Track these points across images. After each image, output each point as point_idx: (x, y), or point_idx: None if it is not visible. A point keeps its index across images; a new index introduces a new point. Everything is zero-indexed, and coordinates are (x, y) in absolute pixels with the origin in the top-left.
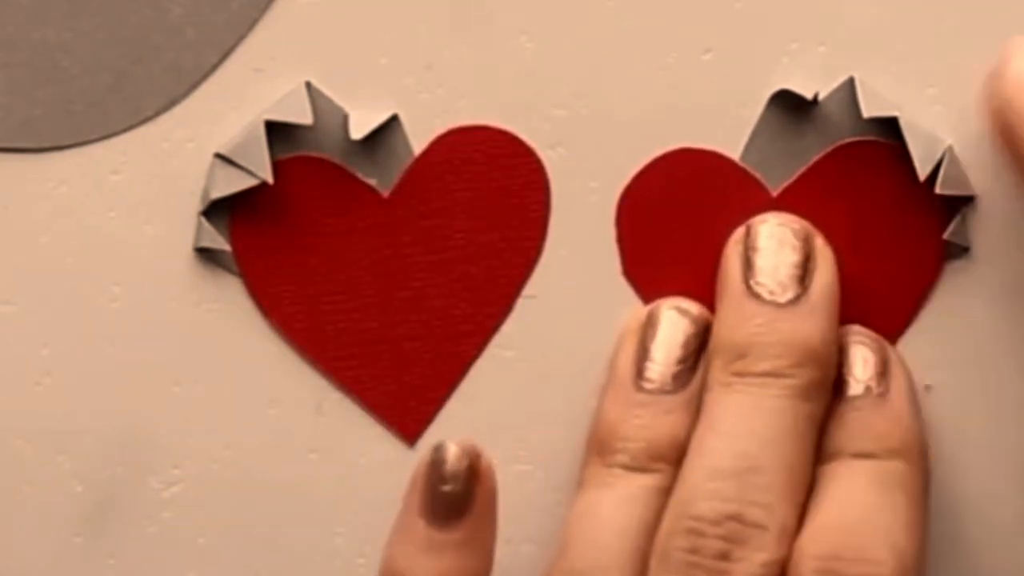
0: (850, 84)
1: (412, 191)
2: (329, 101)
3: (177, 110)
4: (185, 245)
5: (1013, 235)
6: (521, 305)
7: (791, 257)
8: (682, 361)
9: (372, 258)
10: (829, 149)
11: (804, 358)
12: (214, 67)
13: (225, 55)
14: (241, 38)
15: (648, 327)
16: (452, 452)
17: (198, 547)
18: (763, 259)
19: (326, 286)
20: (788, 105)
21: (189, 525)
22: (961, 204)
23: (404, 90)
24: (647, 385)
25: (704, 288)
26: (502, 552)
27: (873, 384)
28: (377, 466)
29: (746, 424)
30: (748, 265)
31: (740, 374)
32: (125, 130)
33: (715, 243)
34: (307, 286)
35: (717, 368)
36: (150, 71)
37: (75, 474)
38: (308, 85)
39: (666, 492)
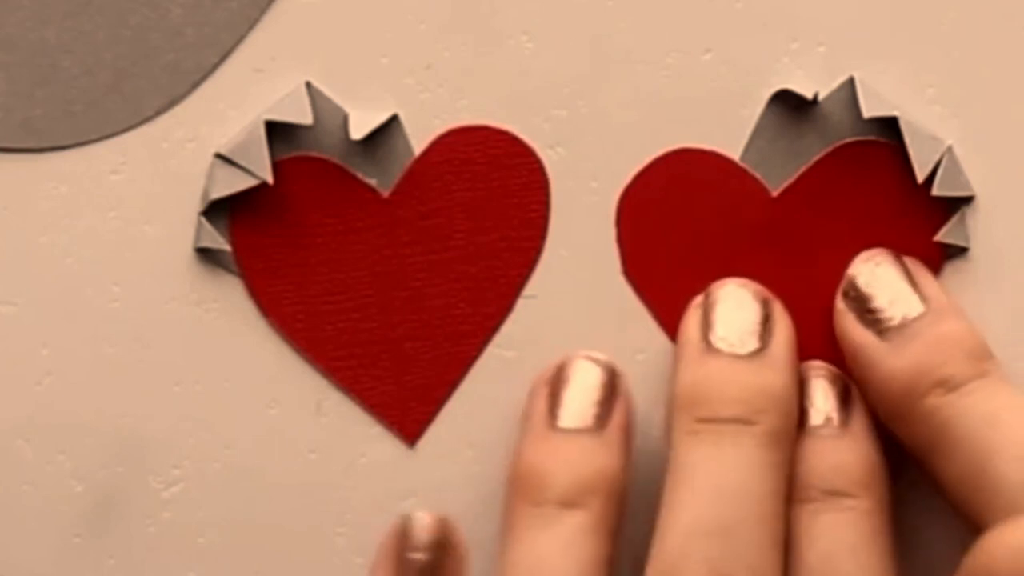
0: (850, 84)
1: (412, 191)
2: (329, 101)
3: (177, 110)
4: (185, 245)
5: (1012, 235)
6: (521, 305)
7: (751, 315)
8: (599, 403)
9: (372, 258)
10: (829, 149)
11: (768, 403)
12: (214, 67)
13: (225, 55)
14: (241, 38)
15: (560, 375)
16: (422, 522)
17: (198, 547)
18: (722, 316)
19: (326, 286)
20: (788, 105)
21: (189, 525)
22: (960, 204)
23: (404, 90)
24: (567, 425)
25: (702, 288)
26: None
27: (835, 415)
28: (377, 466)
29: (720, 478)
30: (707, 323)
31: (706, 420)
32: (125, 130)
33: (715, 244)
34: (307, 286)
35: (681, 419)
36: (150, 71)
37: (75, 474)
38: (308, 85)
39: (602, 527)
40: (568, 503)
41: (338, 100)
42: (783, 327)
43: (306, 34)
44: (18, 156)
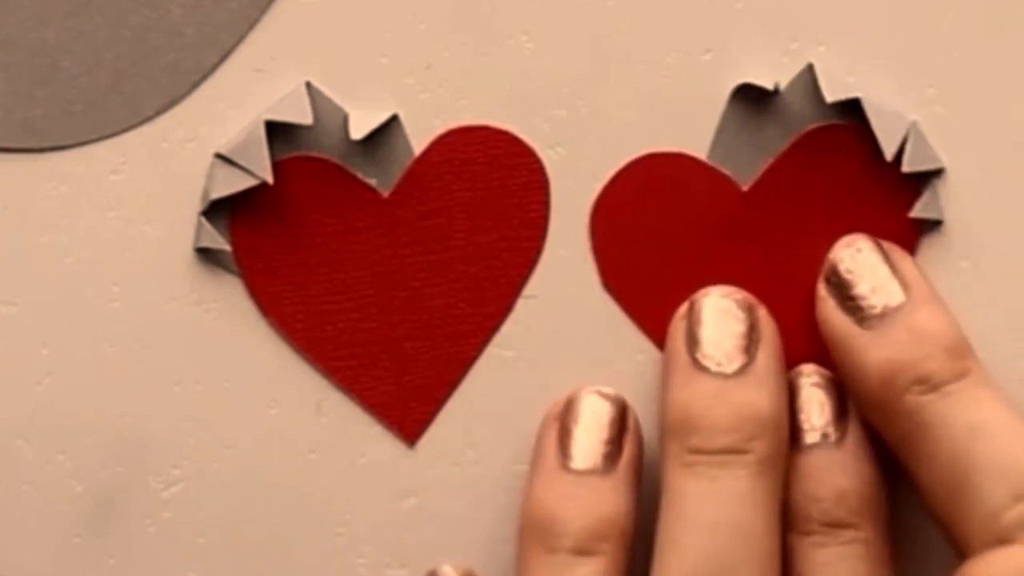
0: (810, 71)
1: (412, 191)
2: (329, 101)
3: (177, 110)
4: (185, 245)
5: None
6: (521, 305)
7: (735, 328)
8: (609, 442)
9: (372, 258)
10: (795, 138)
11: (758, 429)
12: (214, 67)
13: (225, 55)
14: (241, 38)
15: (569, 411)
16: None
17: (198, 547)
18: (707, 331)
19: (326, 286)
20: (750, 99)
21: (189, 525)
22: (930, 178)
23: (404, 90)
24: (578, 466)
25: (683, 293)
26: (501, 551)
27: (830, 431)
28: (377, 466)
29: (718, 515)
30: (692, 339)
31: (698, 451)
32: (125, 130)
33: (691, 246)
34: (307, 286)
35: (674, 447)
36: (150, 71)
37: (75, 474)
38: (308, 85)
39: (614, 572)
40: (582, 551)
41: (338, 100)
42: (769, 336)
43: (306, 34)
44: (18, 156)
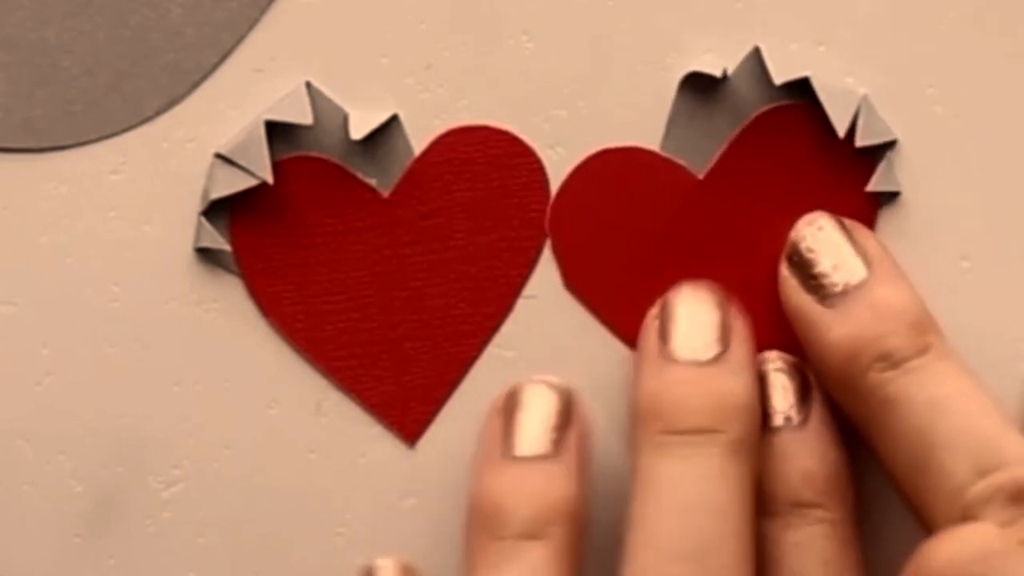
0: (756, 54)
1: (412, 191)
2: (329, 101)
3: (177, 110)
4: (185, 245)
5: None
6: (521, 305)
7: (709, 320)
8: (555, 429)
9: (372, 258)
10: (747, 122)
11: (732, 411)
12: (214, 67)
13: (225, 55)
14: (241, 38)
15: (513, 401)
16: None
17: (198, 547)
18: (680, 326)
19: (326, 286)
20: (699, 87)
21: (189, 525)
22: (884, 151)
23: (404, 90)
24: (523, 453)
25: (646, 287)
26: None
27: (793, 413)
28: (377, 466)
29: (690, 495)
30: (664, 332)
31: (671, 432)
32: (125, 130)
33: (651, 239)
34: (307, 286)
35: (645, 433)
36: (150, 71)
37: (75, 474)
38: (308, 85)
39: (565, 556)
40: (529, 535)
41: (338, 100)
42: (740, 327)
43: (306, 34)
44: (18, 156)
